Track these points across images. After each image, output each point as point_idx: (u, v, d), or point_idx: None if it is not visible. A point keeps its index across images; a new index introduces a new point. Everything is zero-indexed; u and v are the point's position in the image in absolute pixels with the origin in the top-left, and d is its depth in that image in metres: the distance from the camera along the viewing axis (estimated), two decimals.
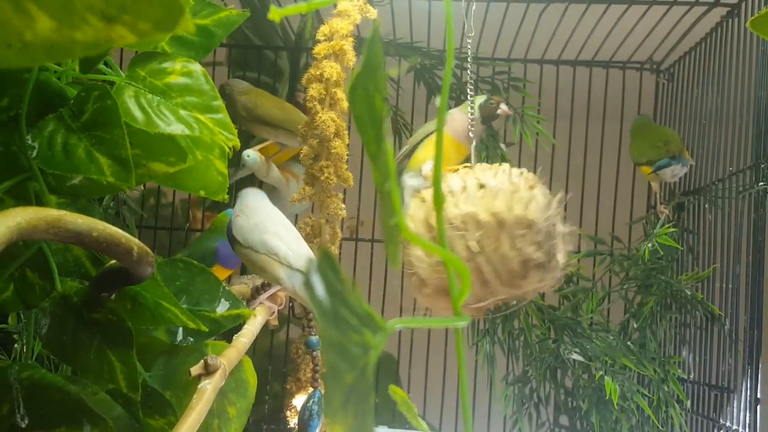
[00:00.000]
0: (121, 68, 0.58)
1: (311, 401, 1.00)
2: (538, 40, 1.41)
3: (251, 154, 1.19)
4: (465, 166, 1.02)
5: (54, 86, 0.53)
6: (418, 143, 1.17)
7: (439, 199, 0.27)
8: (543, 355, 1.27)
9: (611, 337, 1.27)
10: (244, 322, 0.74)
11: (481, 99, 1.17)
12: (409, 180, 1.15)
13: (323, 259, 0.24)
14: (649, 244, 1.30)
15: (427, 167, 1.12)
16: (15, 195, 0.53)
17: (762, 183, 1.12)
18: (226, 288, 0.61)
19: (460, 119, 1.12)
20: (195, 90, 0.55)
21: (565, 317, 1.29)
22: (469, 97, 1.09)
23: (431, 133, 1.17)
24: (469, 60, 1.09)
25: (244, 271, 1.37)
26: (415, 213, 0.98)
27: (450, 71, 0.27)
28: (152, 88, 0.54)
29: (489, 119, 1.18)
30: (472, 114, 1.02)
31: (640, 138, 1.35)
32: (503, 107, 1.16)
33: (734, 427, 1.15)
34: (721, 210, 1.25)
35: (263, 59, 1.55)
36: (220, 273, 1.13)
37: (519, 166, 1.41)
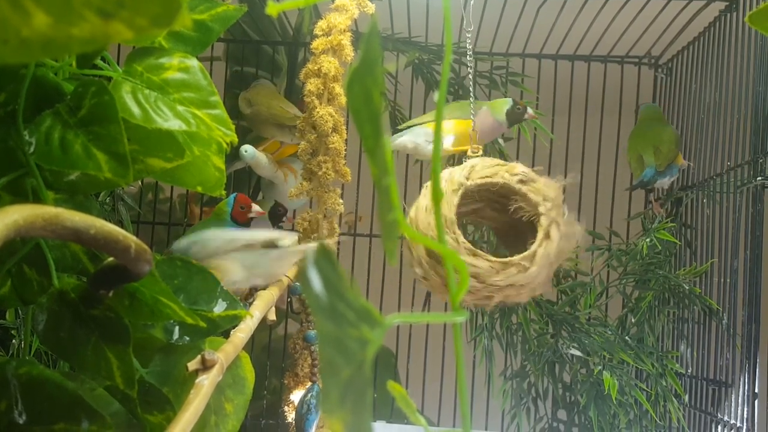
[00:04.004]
0: (118, 64, 0.57)
1: (309, 395, 1.01)
2: (536, 35, 1.41)
3: (249, 149, 1.19)
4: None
5: (51, 82, 0.53)
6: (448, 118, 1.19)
7: (437, 195, 0.27)
8: (541, 350, 1.27)
9: (609, 332, 1.27)
10: None
11: (507, 104, 1.19)
12: (421, 138, 1.17)
13: (321, 254, 0.24)
14: (648, 239, 1.30)
15: (449, 141, 1.14)
16: (12, 191, 0.53)
17: (760, 178, 1.12)
18: (224, 288, 0.60)
19: (489, 123, 1.15)
20: (192, 85, 0.55)
21: (563, 312, 1.29)
22: (471, 96, 1.10)
23: (459, 117, 1.18)
24: (469, 56, 1.09)
25: None
26: (422, 201, 0.99)
27: (448, 66, 0.27)
28: (149, 84, 0.54)
29: (514, 123, 1.20)
30: (474, 115, 1.04)
31: (633, 146, 1.35)
32: (530, 111, 1.19)
33: (732, 421, 1.15)
34: (719, 205, 1.25)
35: (261, 54, 1.54)
36: None
37: (517, 161, 1.42)
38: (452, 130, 1.15)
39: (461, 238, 0.96)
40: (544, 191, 0.98)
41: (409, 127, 1.22)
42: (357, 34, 1.18)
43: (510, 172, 1.00)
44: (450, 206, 0.97)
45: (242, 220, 1.07)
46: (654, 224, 1.32)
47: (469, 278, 0.99)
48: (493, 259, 0.95)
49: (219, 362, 0.58)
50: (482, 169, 1.00)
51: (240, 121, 1.35)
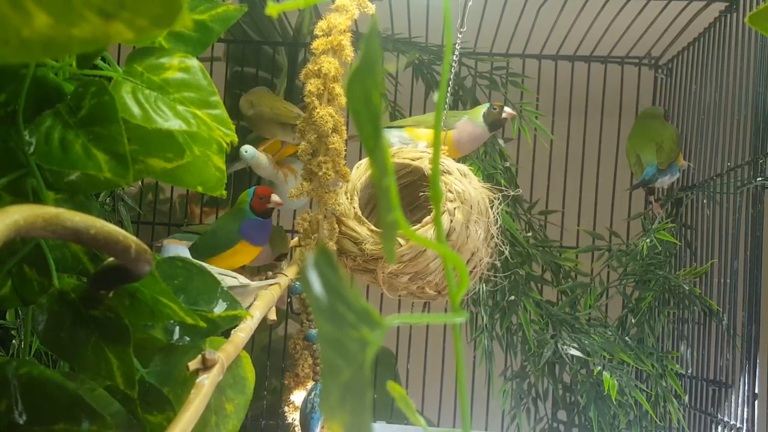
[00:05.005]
0: (118, 64, 0.57)
1: (313, 394, 1.00)
2: (536, 36, 1.41)
3: (249, 149, 1.19)
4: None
5: (51, 82, 0.53)
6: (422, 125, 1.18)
7: (437, 196, 0.27)
8: (541, 351, 1.27)
9: (609, 333, 1.27)
10: None
11: (483, 108, 1.15)
12: (395, 139, 1.17)
13: (320, 254, 0.24)
14: (648, 240, 1.30)
15: (422, 146, 1.13)
16: (12, 191, 0.53)
17: (760, 178, 1.12)
18: (225, 288, 0.60)
19: (468, 131, 1.14)
20: (192, 85, 0.55)
21: (564, 313, 1.29)
22: (446, 99, 1.10)
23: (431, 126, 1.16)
24: (455, 57, 1.09)
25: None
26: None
27: (448, 66, 0.27)
28: (150, 84, 0.54)
29: (496, 126, 1.16)
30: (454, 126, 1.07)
31: (634, 144, 1.35)
32: (507, 110, 1.14)
33: (732, 422, 1.15)
34: (720, 205, 1.25)
35: (261, 55, 1.54)
36: (249, 251, 1.13)
37: (517, 162, 1.42)
38: (428, 137, 1.15)
39: (356, 204, 1.04)
40: (453, 184, 1.01)
41: (389, 127, 1.21)
42: (357, 35, 1.18)
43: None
44: (359, 176, 1.06)
45: (261, 210, 1.09)
46: (654, 225, 1.32)
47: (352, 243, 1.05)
48: (375, 229, 1.02)
49: (219, 362, 0.58)
50: (409, 152, 1.07)
51: (240, 122, 1.36)
